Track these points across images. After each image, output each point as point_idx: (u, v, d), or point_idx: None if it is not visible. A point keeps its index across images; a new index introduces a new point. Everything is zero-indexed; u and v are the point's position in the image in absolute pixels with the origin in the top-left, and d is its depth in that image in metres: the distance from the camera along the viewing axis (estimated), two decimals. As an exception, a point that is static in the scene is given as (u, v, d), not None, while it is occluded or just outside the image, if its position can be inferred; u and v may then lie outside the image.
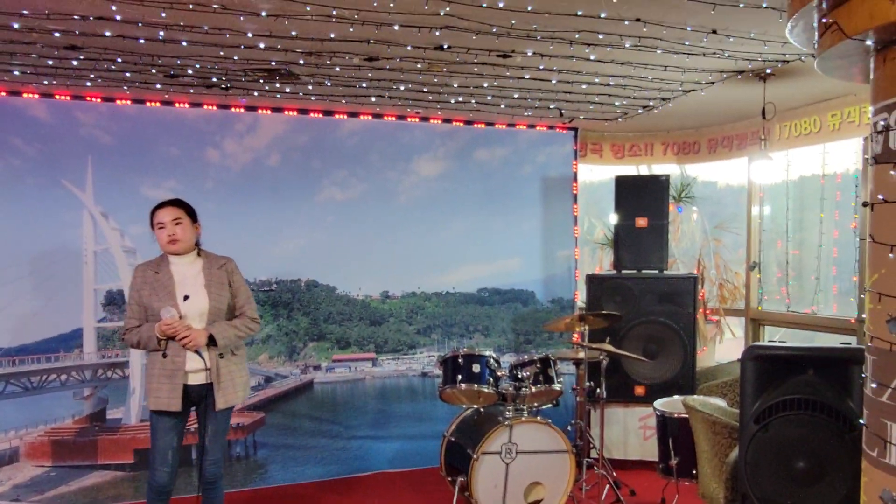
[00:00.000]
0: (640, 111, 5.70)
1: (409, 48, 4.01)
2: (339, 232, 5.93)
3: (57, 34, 3.78)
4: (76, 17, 3.53)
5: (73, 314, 5.30)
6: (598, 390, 5.05)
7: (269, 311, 5.80)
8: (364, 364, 6.14)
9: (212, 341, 3.71)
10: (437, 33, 3.73)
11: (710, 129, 6.57)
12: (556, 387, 4.87)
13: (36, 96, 5.09)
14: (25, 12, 3.48)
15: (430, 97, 5.21)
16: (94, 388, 5.41)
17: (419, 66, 4.36)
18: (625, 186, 5.91)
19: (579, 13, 3.46)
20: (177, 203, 3.82)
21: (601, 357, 4.98)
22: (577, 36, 3.78)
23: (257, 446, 5.75)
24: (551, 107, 5.59)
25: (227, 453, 5.60)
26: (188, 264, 3.82)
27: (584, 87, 4.93)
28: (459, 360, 4.86)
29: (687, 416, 4.33)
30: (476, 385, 4.79)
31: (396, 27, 3.65)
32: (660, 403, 4.88)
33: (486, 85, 4.86)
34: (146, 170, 5.37)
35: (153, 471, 3.78)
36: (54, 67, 4.39)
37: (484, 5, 3.35)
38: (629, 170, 6.82)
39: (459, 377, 4.81)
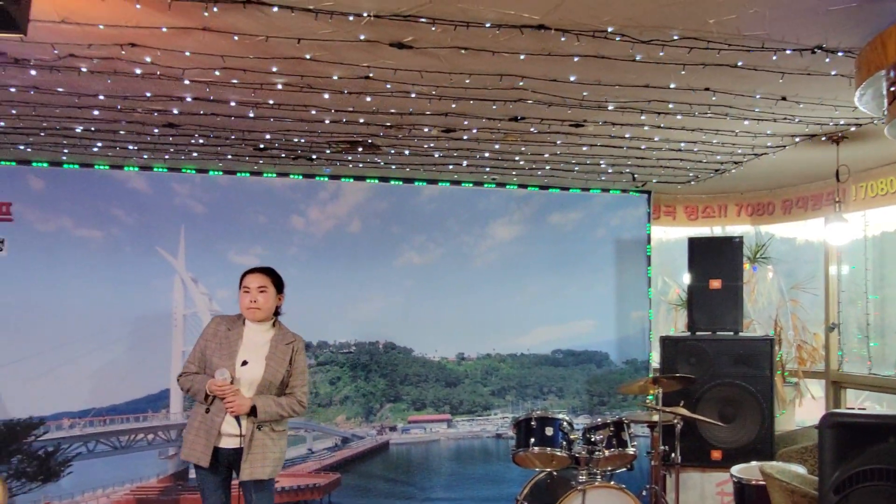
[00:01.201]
0: (712, 174, 5.71)
1: (484, 120, 4.20)
2: (417, 295, 6.08)
3: (156, 114, 4.11)
4: (174, 97, 3.84)
5: (161, 375, 5.57)
6: (673, 454, 4.94)
7: (347, 372, 5.94)
8: (439, 425, 6.18)
9: (254, 411, 3.70)
10: (512, 106, 3.90)
11: (784, 189, 6.50)
12: (630, 451, 4.78)
13: (136, 169, 5.51)
14: (128, 95, 3.81)
15: (505, 164, 5.37)
16: (179, 448, 5.61)
17: (494, 136, 4.53)
18: (698, 248, 5.88)
19: (649, 84, 3.57)
20: (267, 271, 3.89)
21: (676, 420, 4.89)
22: (647, 105, 3.88)
23: (333, 507, 5.81)
24: (624, 171, 5.67)
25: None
26: (261, 332, 3.85)
27: (655, 152, 5.00)
28: (532, 423, 4.81)
29: (765, 483, 4.20)
30: (549, 448, 4.73)
31: (472, 101, 3.83)
32: (737, 469, 4.74)
33: (559, 152, 4.99)
34: (235, 237, 5.69)
35: None
36: (153, 143, 4.76)
37: (556, 79, 3.49)
38: (703, 231, 6.79)
39: (532, 440, 4.76)
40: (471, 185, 6.18)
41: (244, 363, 3.72)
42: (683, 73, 3.32)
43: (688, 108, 3.95)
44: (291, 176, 5.80)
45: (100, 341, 5.43)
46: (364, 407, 6.01)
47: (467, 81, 3.52)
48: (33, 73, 3.42)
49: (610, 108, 3.95)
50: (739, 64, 3.25)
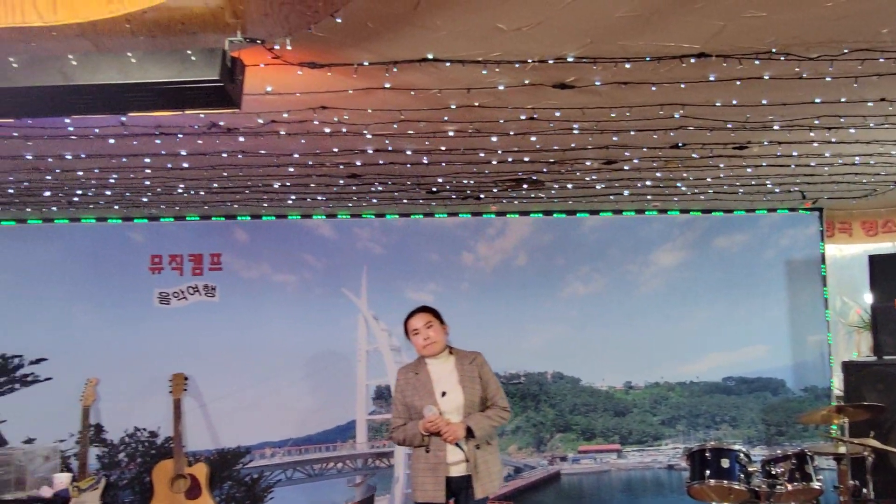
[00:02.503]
0: (892, 186, 5.43)
1: (645, 149, 4.30)
2: (582, 325, 6.17)
3: (342, 166, 4.56)
4: (357, 151, 4.25)
5: (348, 407, 6.00)
6: (865, 490, 4.62)
7: (517, 402, 6.10)
8: (609, 455, 6.17)
9: (469, 433, 3.85)
10: (672, 134, 3.98)
11: (979, 198, 6.03)
12: (816, 485, 4.51)
13: (323, 217, 6.07)
14: (318, 151, 4.27)
15: (667, 191, 5.40)
16: (365, 475, 5.99)
17: (655, 164, 4.61)
18: (880, 265, 5.58)
19: (818, 100, 3.54)
20: (425, 309, 4.10)
21: (866, 453, 4.60)
22: (816, 122, 3.83)
23: (508, 536, 5.92)
24: (792, 190, 5.52)
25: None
26: (442, 363, 4.04)
27: (826, 168, 4.86)
28: (707, 454, 4.66)
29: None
30: (726, 481, 4.54)
31: (633, 133, 3.95)
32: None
33: (722, 175, 4.97)
34: (410, 275, 6.08)
35: None
36: (338, 193, 5.25)
37: (718, 104, 3.55)
38: (884, 247, 6.39)
39: (708, 472, 4.60)
40: (632, 213, 6.24)
41: (443, 394, 3.93)
42: (856, 85, 3.27)
43: (861, 120, 3.85)
44: (461, 215, 6.14)
45: (295, 376, 5.96)
46: (535, 437, 6.13)
47: (628, 114, 3.65)
48: (241, 139, 3.93)
49: (775, 127, 3.94)
50: (917, 71, 3.17)
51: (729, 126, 3.87)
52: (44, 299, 5.88)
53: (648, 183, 5.16)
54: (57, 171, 4.48)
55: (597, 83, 3.22)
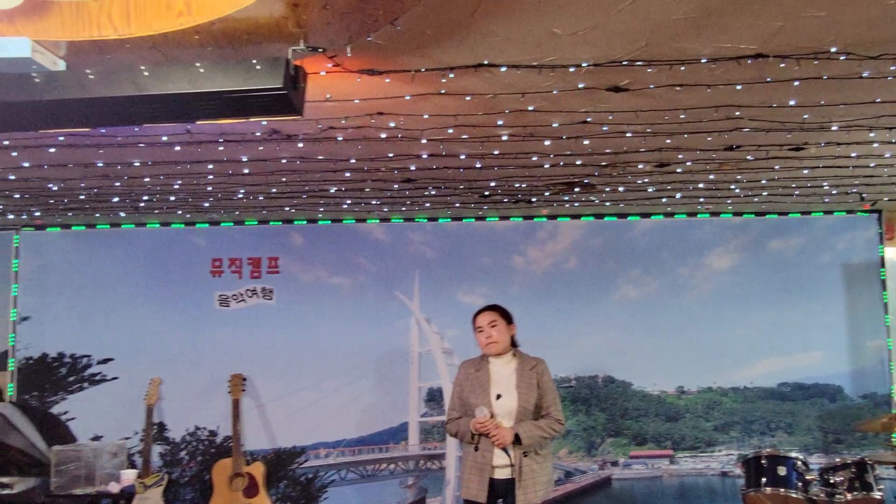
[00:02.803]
0: (956, 187, 5.30)
1: (698, 152, 4.28)
2: (634, 328, 6.16)
3: (396, 171, 4.65)
4: (412, 156, 4.33)
5: (401, 409, 6.09)
6: (930, 500, 4.53)
7: (568, 406, 6.10)
8: (661, 461, 6.12)
9: (518, 439, 3.85)
10: (727, 136, 3.95)
11: None
12: (876, 495, 4.40)
13: (377, 221, 6.18)
14: (374, 157, 4.36)
15: (720, 193, 5.36)
16: (417, 477, 6.05)
17: (709, 166, 4.58)
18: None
19: (878, 100, 3.49)
20: (493, 308, 4.15)
21: (929, 461, 4.50)
22: (876, 121, 3.77)
23: (559, 541, 5.91)
24: (850, 192, 5.42)
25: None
26: (504, 364, 4.07)
27: (886, 169, 4.77)
28: (763, 462, 4.61)
29: None
30: (783, 489, 4.49)
31: (687, 135, 3.94)
32: None
33: (777, 177, 4.92)
34: (462, 278, 6.14)
35: None
36: (392, 197, 5.35)
37: (774, 105, 3.52)
38: (949, 250, 6.23)
39: (764, 480, 4.55)
40: (684, 216, 6.20)
41: (498, 396, 3.95)
42: (920, 82, 3.23)
43: (925, 118, 3.78)
44: (512, 219, 6.19)
45: (349, 377, 6.07)
46: (586, 441, 6.12)
47: (682, 116, 3.63)
48: (300, 145, 4.04)
49: (833, 128, 3.89)
50: None
51: (786, 127, 3.83)
52: (111, 301, 6.11)
53: (701, 185, 5.13)
54: (125, 177, 4.66)
55: (651, 86, 3.22)
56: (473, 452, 3.94)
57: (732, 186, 5.19)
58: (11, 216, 5.91)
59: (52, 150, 4.01)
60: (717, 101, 3.43)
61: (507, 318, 4.17)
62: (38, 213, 5.87)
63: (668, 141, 4.04)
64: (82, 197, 5.23)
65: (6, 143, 3.88)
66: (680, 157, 4.37)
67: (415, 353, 6.13)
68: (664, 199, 5.52)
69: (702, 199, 5.58)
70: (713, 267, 6.22)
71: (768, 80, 3.16)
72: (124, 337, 6.07)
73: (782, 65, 2.98)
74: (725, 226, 6.23)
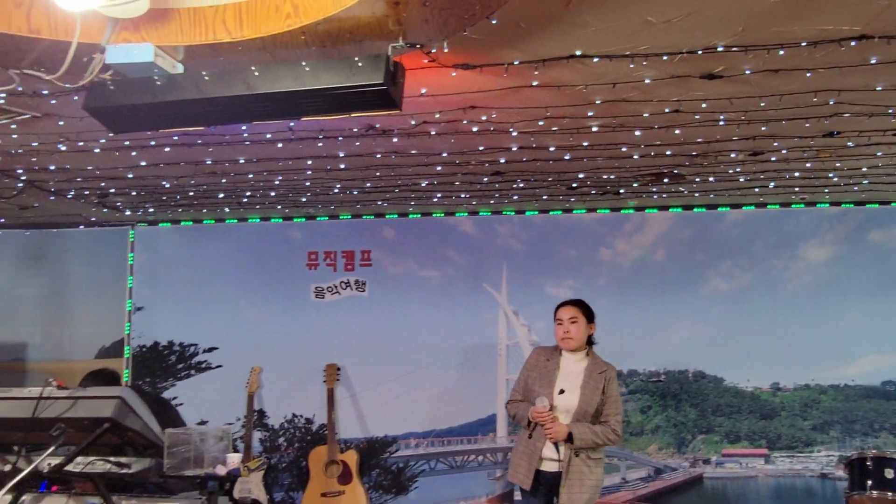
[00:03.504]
0: None
1: (795, 139, 4.18)
2: (725, 322, 6.03)
3: (486, 164, 4.73)
4: (502, 149, 4.40)
5: (489, 401, 6.17)
6: None
7: (657, 401, 6.04)
8: (756, 460, 5.97)
9: (571, 438, 3.83)
10: (827, 121, 3.86)
11: None
12: None
13: (465, 214, 6.30)
14: (465, 150, 4.44)
15: (817, 182, 5.21)
16: (505, 470, 6.11)
17: (806, 154, 4.47)
18: None
19: None
20: (577, 303, 4.14)
21: None
22: None
23: (648, 540, 5.85)
24: (960, 178, 5.18)
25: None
26: (575, 361, 4.06)
27: None
28: (868, 464, 4.47)
29: None
30: (890, 493, 4.34)
31: (783, 122, 3.86)
32: None
33: (880, 164, 4.75)
34: (549, 271, 6.18)
35: None
36: (481, 190, 5.44)
37: (879, 88, 3.41)
38: None
39: (869, 483, 4.41)
40: (777, 206, 6.04)
41: (561, 391, 3.95)
42: None
43: None
44: (599, 211, 6.19)
45: (439, 368, 6.20)
46: (675, 437, 6.04)
47: (778, 102, 3.55)
48: (395, 140, 4.18)
49: (944, 110, 3.74)
50: None
51: (890, 112, 3.71)
52: (215, 293, 6.48)
53: (797, 174, 4.99)
54: (231, 174, 4.92)
55: (747, 72, 3.18)
56: (526, 439, 3.98)
57: (830, 175, 5.03)
58: (128, 212, 6.33)
59: (168, 149, 4.29)
60: (817, 85, 3.35)
61: (588, 315, 4.15)
62: (151, 210, 6.26)
63: (764, 128, 3.96)
64: (191, 193, 5.54)
65: (126, 143, 4.18)
66: (775, 144, 4.28)
67: (502, 346, 6.20)
68: (756, 189, 5.39)
69: (797, 189, 5.42)
70: (809, 259, 6.04)
71: (872, 62, 3.07)
72: (227, 327, 6.42)
73: (888, 45, 2.88)
74: (822, 216, 6.04)
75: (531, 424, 3.94)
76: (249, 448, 5.90)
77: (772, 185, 5.29)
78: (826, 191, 5.56)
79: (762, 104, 3.59)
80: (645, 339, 6.03)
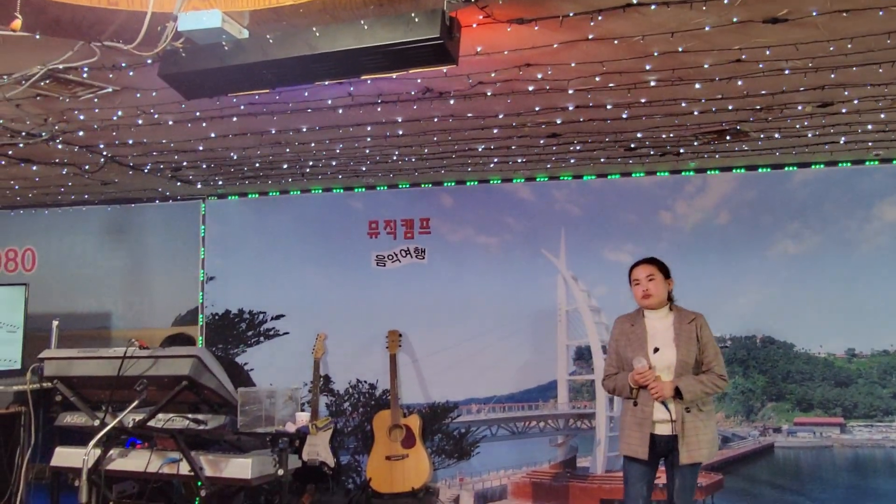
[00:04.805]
0: None
1: (868, 87, 4.00)
2: (795, 286, 5.85)
3: (543, 125, 4.69)
4: (559, 108, 4.35)
5: (549, 367, 6.17)
6: None
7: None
8: (831, 430, 5.77)
9: (678, 394, 3.78)
10: (902, 67, 3.69)
11: None
12: None
13: (522, 181, 6.30)
14: (521, 112, 4.42)
15: (893, 136, 5.00)
16: (566, 436, 6.12)
17: (880, 104, 4.28)
18: None
19: None
20: (651, 261, 4.13)
21: None
22: None
23: (715, 510, 5.75)
24: None
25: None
26: (660, 318, 4.03)
27: None
28: None
29: None
30: None
31: (854, 68, 3.69)
32: None
33: (962, 113, 4.52)
34: (608, 236, 6.13)
35: None
36: (537, 154, 5.41)
37: (961, 26, 3.25)
38: None
39: None
40: (848, 164, 5.81)
41: (656, 350, 3.90)
42: None
43: None
44: (658, 173, 6.08)
45: (499, 334, 6.24)
46: (744, 405, 5.91)
47: (849, 46, 3.38)
48: (451, 102, 4.19)
49: None
50: None
51: (973, 53, 3.53)
52: (281, 262, 6.70)
53: (870, 127, 4.78)
54: (295, 143, 5.03)
55: (813, 13, 3.05)
56: (633, 408, 3.91)
57: (907, 128, 4.83)
58: (200, 185, 6.56)
59: (235, 118, 4.42)
60: (891, 26, 3.17)
61: (664, 271, 4.13)
62: (220, 182, 6.47)
63: (833, 76, 3.80)
64: (258, 164, 5.69)
65: (197, 114, 4.33)
66: (846, 94, 4.11)
67: (562, 311, 6.19)
68: (826, 146, 5.20)
69: (870, 144, 5.19)
70: (886, 219, 5.79)
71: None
72: (293, 295, 6.63)
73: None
74: (899, 173, 5.78)
75: (634, 391, 3.89)
76: (316, 411, 6.09)
77: (843, 140, 5.09)
78: (904, 145, 5.32)
79: (831, 49, 3.43)
80: (709, 304, 5.78)
